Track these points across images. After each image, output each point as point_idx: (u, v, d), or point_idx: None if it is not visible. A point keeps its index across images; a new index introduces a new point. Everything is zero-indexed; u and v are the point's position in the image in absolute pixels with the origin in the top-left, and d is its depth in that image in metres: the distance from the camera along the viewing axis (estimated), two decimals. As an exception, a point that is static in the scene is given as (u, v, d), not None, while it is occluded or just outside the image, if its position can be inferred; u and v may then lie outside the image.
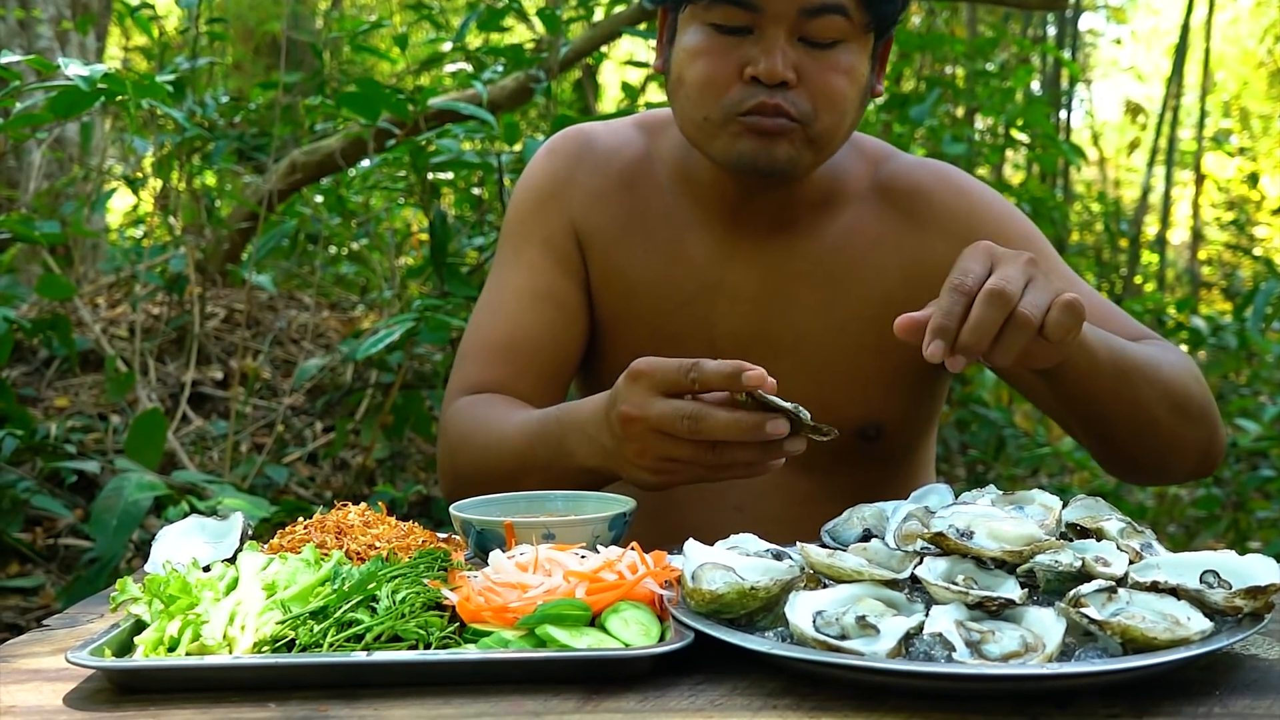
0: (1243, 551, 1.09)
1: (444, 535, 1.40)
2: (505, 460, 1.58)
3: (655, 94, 6.14)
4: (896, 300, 1.61)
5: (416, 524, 1.36)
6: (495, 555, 1.17)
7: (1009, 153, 7.01)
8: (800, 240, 1.70)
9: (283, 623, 1.05)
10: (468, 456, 1.65)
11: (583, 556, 1.17)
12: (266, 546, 1.30)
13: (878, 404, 1.71)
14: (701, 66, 1.57)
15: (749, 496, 1.70)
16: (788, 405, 1.27)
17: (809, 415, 1.27)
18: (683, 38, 1.60)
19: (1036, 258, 1.28)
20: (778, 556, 1.16)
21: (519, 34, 5.53)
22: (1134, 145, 13.34)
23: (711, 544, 1.16)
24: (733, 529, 1.27)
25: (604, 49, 4.70)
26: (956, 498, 1.28)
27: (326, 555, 1.20)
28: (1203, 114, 13.30)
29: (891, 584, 1.07)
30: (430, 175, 3.60)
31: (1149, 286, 11.61)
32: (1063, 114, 11.52)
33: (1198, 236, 13.32)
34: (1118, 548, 1.12)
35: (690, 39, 1.59)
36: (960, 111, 6.60)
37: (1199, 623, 0.98)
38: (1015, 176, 8.92)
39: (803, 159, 1.58)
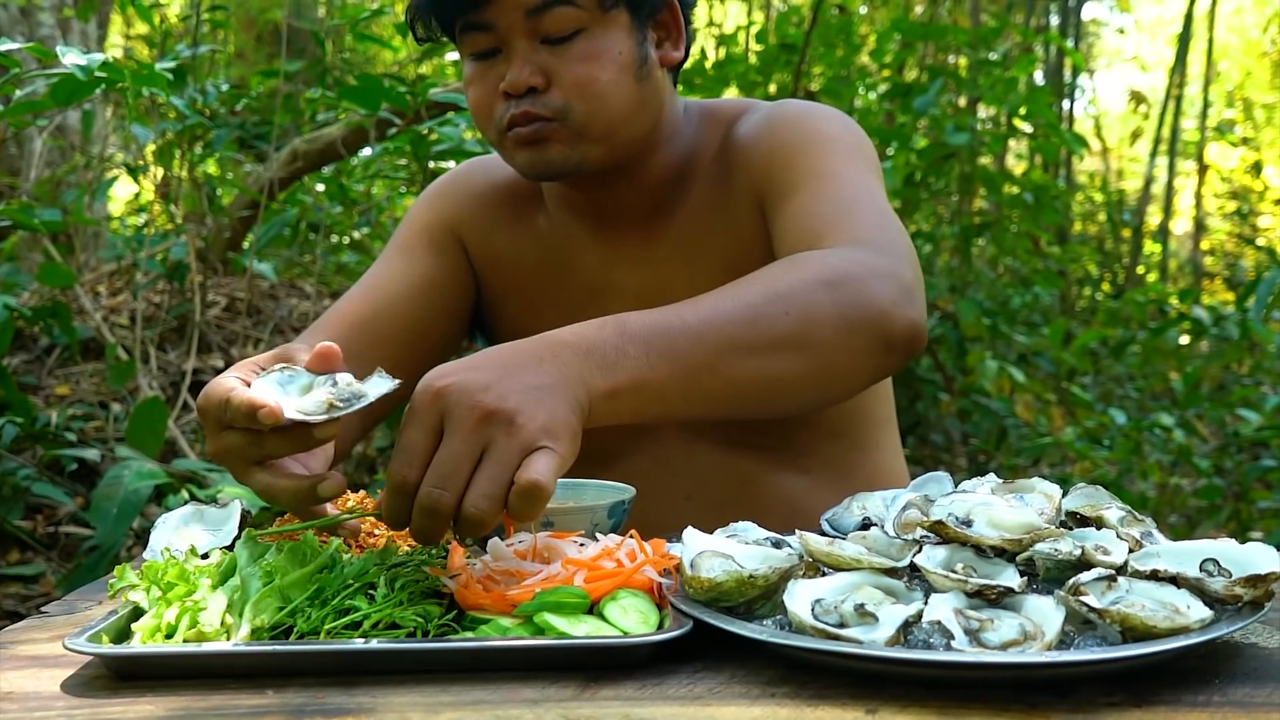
0: (1243, 542, 1.08)
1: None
2: None
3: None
4: (732, 258, 1.64)
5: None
6: (494, 543, 1.16)
7: (1011, 142, 7.00)
8: (662, 224, 1.71)
9: (280, 610, 1.05)
10: None
11: (581, 544, 1.17)
12: (265, 534, 1.30)
13: None
14: (471, 95, 1.62)
15: (695, 485, 1.72)
16: (319, 416, 1.14)
17: (359, 394, 1.16)
18: (463, 72, 1.65)
19: (493, 409, 1.07)
20: (776, 545, 1.16)
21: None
22: (1137, 135, 13.33)
23: (667, 534, 1.16)
24: (685, 518, 1.27)
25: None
26: (956, 486, 1.27)
27: (325, 543, 1.20)
28: (1206, 104, 13.29)
29: (891, 572, 1.07)
30: (432, 163, 3.60)
31: (1151, 276, 11.62)
32: (1066, 103, 11.51)
33: (1200, 227, 13.31)
34: (1118, 536, 1.12)
35: (464, 71, 1.64)
36: (963, 101, 6.59)
37: (1198, 611, 0.98)
38: (1018, 166, 8.91)
39: (584, 154, 1.59)
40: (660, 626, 1.04)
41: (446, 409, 1.08)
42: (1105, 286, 10.48)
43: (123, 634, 1.07)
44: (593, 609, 1.06)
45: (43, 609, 1.26)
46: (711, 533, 1.19)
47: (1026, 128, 6.17)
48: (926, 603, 1.00)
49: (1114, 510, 1.18)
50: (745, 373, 1.26)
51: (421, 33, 1.66)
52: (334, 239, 5.40)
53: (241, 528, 1.33)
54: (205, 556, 1.20)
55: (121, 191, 6.56)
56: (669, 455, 1.73)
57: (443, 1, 1.59)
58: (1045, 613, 0.97)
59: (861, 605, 0.99)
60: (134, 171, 4.66)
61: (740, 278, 1.31)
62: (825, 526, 1.31)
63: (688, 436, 1.73)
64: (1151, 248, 12.24)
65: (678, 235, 1.70)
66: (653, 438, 1.73)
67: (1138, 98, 11.93)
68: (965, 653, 0.92)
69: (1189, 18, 11.56)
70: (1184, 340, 6.92)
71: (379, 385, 1.16)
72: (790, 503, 1.69)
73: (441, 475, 1.06)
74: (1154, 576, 1.03)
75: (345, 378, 1.17)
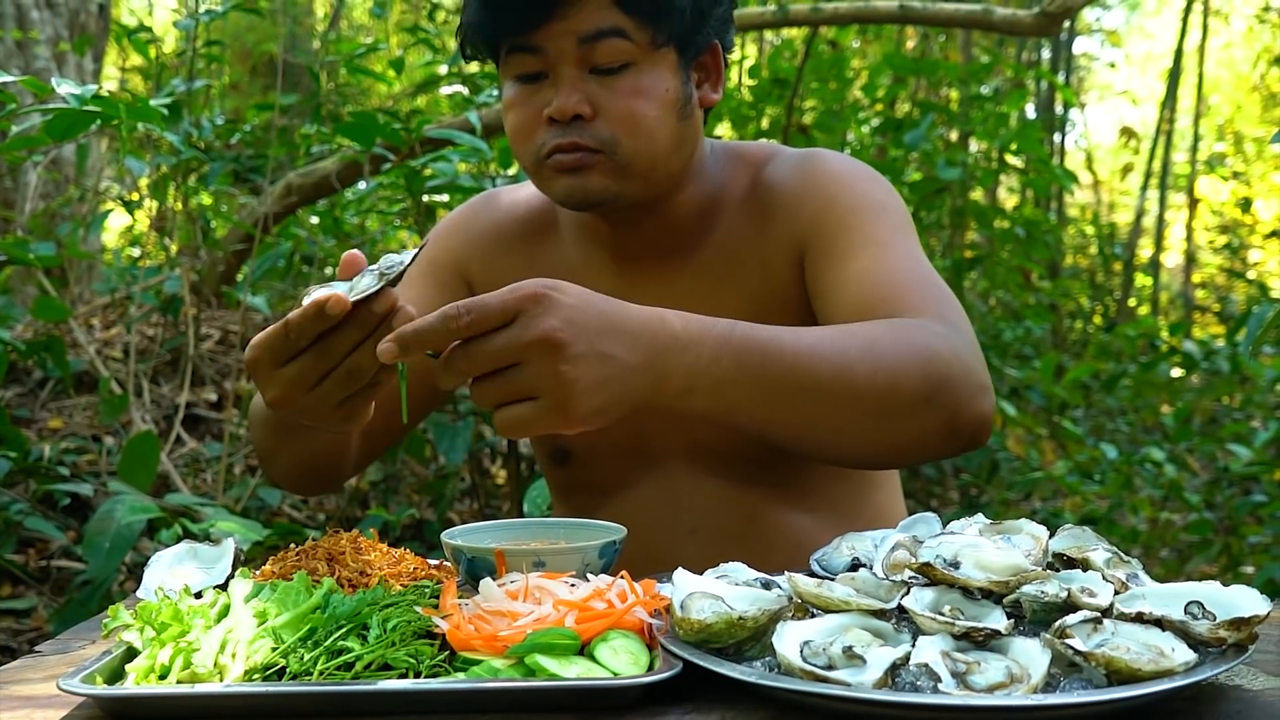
0: (1235, 577, 1.09)
1: (435, 562, 1.40)
2: (264, 426, 1.62)
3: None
4: (762, 297, 1.66)
5: (408, 550, 1.37)
6: (485, 583, 1.17)
7: (1003, 176, 7.04)
8: (685, 259, 1.73)
9: (274, 651, 1.06)
10: (254, 435, 1.68)
11: (573, 585, 1.17)
12: (258, 573, 1.31)
13: None
14: (512, 118, 1.63)
15: (700, 519, 1.73)
16: (370, 288, 1.20)
17: (392, 267, 1.21)
18: (503, 94, 1.65)
19: (565, 340, 1.13)
20: (766, 585, 1.16)
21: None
22: (1128, 169, 13.40)
23: (669, 569, 1.17)
24: (688, 552, 1.29)
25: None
26: (945, 526, 1.28)
27: (318, 583, 1.21)
28: (1196, 138, 13.37)
29: (879, 614, 1.08)
30: (426, 198, 3.61)
31: (1143, 310, 11.65)
32: (1057, 137, 11.56)
33: (1191, 260, 13.36)
34: (1103, 578, 1.13)
35: (505, 93, 1.64)
36: (954, 135, 6.62)
37: (1183, 654, 0.99)
38: (1009, 200, 8.95)
39: (623, 186, 1.60)
40: (651, 668, 1.04)
41: (529, 313, 1.13)
42: (1097, 320, 10.52)
43: (116, 674, 1.07)
44: (583, 650, 1.07)
45: (36, 648, 1.26)
46: (715, 567, 1.20)
47: (1018, 162, 6.21)
48: (914, 644, 1.01)
49: (1100, 552, 1.19)
50: (817, 416, 1.34)
51: (471, 51, 1.67)
52: (328, 272, 5.40)
53: (235, 566, 1.33)
54: (199, 596, 1.20)
55: (116, 224, 6.57)
56: (675, 488, 1.73)
57: (493, 22, 1.59)
58: (1032, 655, 0.98)
59: (850, 647, 1.00)
60: (128, 204, 4.67)
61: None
62: (815, 567, 1.32)
63: (695, 470, 1.73)
64: (1143, 281, 12.28)
65: (698, 271, 1.71)
66: (660, 470, 1.74)
67: (1128, 133, 12.00)
68: (952, 695, 0.93)
69: (1179, 52, 11.64)
70: (1175, 374, 6.94)
71: (408, 253, 1.22)
72: (794, 541, 1.69)
73: (497, 346, 1.13)
74: (1139, 619, 1.04)
75: (381, 260, 1.22)
